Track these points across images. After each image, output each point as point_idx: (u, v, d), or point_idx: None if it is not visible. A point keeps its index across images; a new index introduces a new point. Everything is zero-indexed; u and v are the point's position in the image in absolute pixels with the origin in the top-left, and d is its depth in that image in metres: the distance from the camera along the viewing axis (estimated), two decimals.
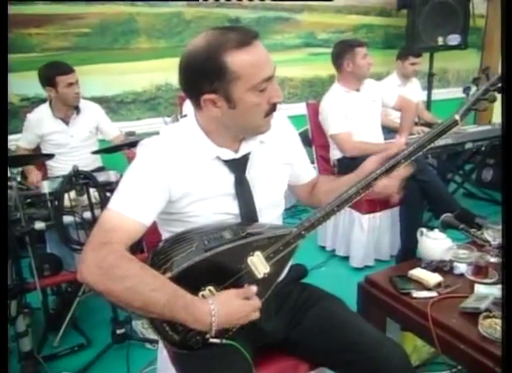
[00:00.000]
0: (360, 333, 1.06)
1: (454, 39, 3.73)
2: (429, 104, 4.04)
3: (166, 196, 1.00)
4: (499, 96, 1.13)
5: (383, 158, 1.07)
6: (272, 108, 1.00)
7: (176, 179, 1.00)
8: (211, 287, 0.95)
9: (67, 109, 2.57)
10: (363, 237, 2.57)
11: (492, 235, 1.50)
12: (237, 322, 0.94)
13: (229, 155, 1.05)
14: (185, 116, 1.32)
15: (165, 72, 3.21)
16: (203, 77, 0.94)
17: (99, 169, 2.63)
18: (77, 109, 2.60)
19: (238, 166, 1.06)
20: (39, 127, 2.52)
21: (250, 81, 0.93)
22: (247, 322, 0.94)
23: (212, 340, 0.93)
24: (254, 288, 0.96)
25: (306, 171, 1.26)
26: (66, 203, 1.85)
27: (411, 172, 1.08)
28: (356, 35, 3.92)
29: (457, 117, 1.07)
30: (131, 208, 0.95)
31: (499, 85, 1.12)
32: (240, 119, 0.99)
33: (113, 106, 3.18)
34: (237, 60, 0.91)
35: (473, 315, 1.17)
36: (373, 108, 2.69)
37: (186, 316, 0.88)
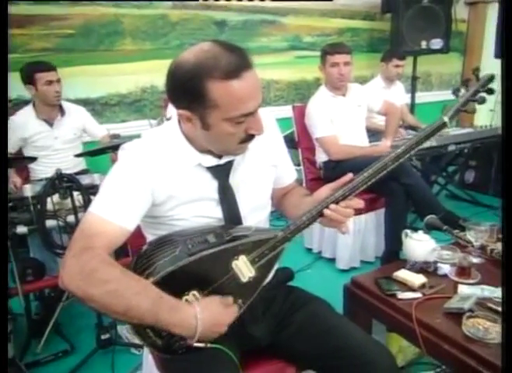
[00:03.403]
0: (346, 337, 1.06)
1: (437, 43, 3.79)
2: (412, 107, 4.09)
3: (150, 200, 0.99)
4: (488, 98, 1.14)
5: (338, 185, 1.04)
6: (249, 137, 0.98)
7: (159, 182, 0.99)
8: (195, 292, 0.94)
9: (50, 110, 2.54)
10: (349, 239, 2.59)
11: (475, 236, 1.53)
12: (219, 329, 0.94)
13: (212, 161, 1.04)
14: (169, 118, 1.31)
15: (150, 74, 3.18)
16: (183, 94, 0.93)
17: (84, 172, 2.60)
18: (61, 110, 2.58)
19: (221, 173, 1.05)
20: (23, 129, 2.48)
21: (227, 113, 0.91)
22: (224, 330, 0.94)
23: (196, 345, 0.92)
24: (230, 299, 0.96)
25: (287, 174, 1.25)
26: (49, 206, 1.82)
27: (361, 206, 1.04)
28: (341, 38, 3.95)
29: (445, 119, 1.07)
30: (114, 213, 0.93)
31: (489, 86, 1.13)
32: (212, 140, 0.98)
33: (98, 108, 3.14)
34: (219, 91, 0.89)
35: (457, 316, 1.19)
36: (358, 113, 2.72)
37: (170, 319, 0.87)
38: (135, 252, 1.24)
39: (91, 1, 2.98)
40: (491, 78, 1.13)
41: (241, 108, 0.91)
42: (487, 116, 4.33)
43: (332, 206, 1.01)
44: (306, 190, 1.27)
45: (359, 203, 1.04)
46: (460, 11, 4.36)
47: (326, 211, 1.01)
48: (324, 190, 1.06)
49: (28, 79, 2.41)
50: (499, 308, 1.20)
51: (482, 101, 1.12)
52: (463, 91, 1.13)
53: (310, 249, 2.91)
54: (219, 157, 1.05)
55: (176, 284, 0.92)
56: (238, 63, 0.89)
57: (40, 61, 2.50)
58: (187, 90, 0.91)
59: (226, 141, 0.98)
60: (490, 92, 1.13)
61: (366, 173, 1.03)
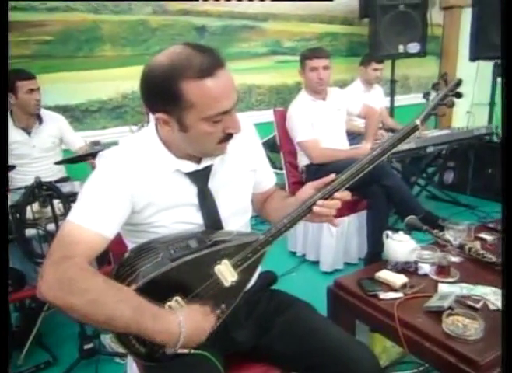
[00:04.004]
0: (329, 338, 1.07)
1: (414, 47, 3.87)
2: (392, 110, 4.17)
3: (129, 208, 0.99)
4: (457, 101, 1.18)
5: (320, 184, 1.06)
6: (228, 136, 0.99)
7: (138, 189, 0.99)
8: (178, 298, 0.94)
9: (28, 118, 2.51)
10: (332, 241, 2.61)
11: (453, 235, 1.56)
12: (200, 337, 0.94)
13: (191, 166, 1.04)
14: None
15: (131, 80, 3.15)
16: (158, 97, 0.93)
17: (64, 180, 2.57)
18: (39, 118, 2.55)
19: (200, 178, 1.05)
20: None
21: (204, 113, 0.92)
22: (205, 338, 0.95)
23: (180, 351, 0.92)
24: (208, 308, 0.96)
25: (266, 179, 1.26)
26: (29, 215, 1.79)
27: (350, 198, 1.06)
28: (321, 43, 3.99)
29: (417, 122, 1.10)
30: (93, 221, 0.93)
31: (457, 90, 1.17)
32: (191, 142, 0.99)
33: (78, 114, 3.11)
34: (194, 90, 0.90)
35: (437, 314, 1.21)
36: (338, 116, 2.75)
37: (153, 327, 0.86)
38: (117, 260, 1.24)
39: (66, 0, 2.94)
40: (458, 83, 1.17)
41: (217, 106, 0.92)
42: (464, 118, 4.43)
43: (320, 201, 1.02)
44: (287, 193, 1.28)
45: (347, 195, 1.05)
46: (435, 15, 4.47)
47: (315, 208, 1.02)
48: (306, 189, 1.08)
49: (8, 87, 2.37)
50: (477, 305, 1.23)
51: (451, 105, 1.16)
52: (433, 95, 1.16)
53: (294, 253, 2.93)
54: (198, 162, 1.05)
55: (159, 291, 0.91)
56: (211, 62, 0.91)
57: (21, 69, 2.48)
58: (162, 92, 0.92)
59: (204, 142, 0.98)
60: (458, 95, 1.16)
61: (344, 176, 1.05)
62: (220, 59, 0.93)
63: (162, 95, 0.92)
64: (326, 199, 1.04)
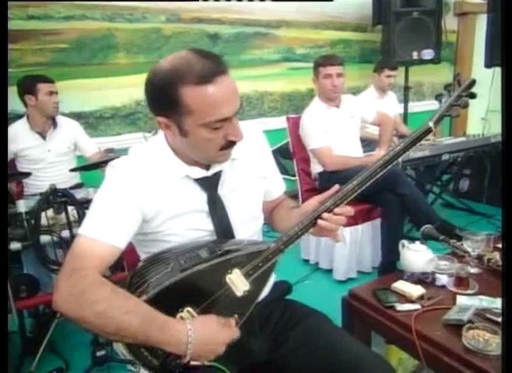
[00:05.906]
0: (345, 351, 1.04)
1: (428, 53, 3.84)
2: (405, 116, 4.13)
3: (140, 217, 0.99)
4: (472, 108, 1.15)
5: (325, 196, 1.04)
6: (230, 144, 0.97)
7: (147, 198, 0.98)
8: (189, 308, 0.93)
9: (45, 122, 2.55)
10: (346, 250, 2.58)
11: (471, 246, 1.52)
12: (214, 349, 0.91)
13: (200, 173, 1.03)
14: None
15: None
16: (159, 101, 0.94)
17: (78, 186, 2.59)
18: (54, 123, 2.58)
19: (210, 184, 1.04)
20: (14, 142, 2.48)
21: (202, 119, 0.91)
22: (221, 350, 0.92)
23: (193, 363, 0.91)
24: (233, 321, 0.95)
25: (275, 187, 1.25)
26: (43, 221, 1.80)
27: (351, 214, 1.03)
28: (334, 50, 3.99)
29: (430, 124, 1.07)
30: (104, 232, 0.93)
31: (471, 90, 1.14)
32: (191, 147, 0.98)
33: (92, 121, 3.15)
34: (192, 96, 0.88)
35: (456, 327, 1.18)
36: (352, 124, 2.74)
37: (161, 337, 0.85)
38: (130, 267, 1.23)
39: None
40: (472, 83, 1.13)
41: (216, 113, 0.91)
42: (479, 124, 4.37)
43: (325, 215, 1.00)
44: (294, 203, 1.27)
45: (349, 211, 1.03)
46: (449, 22, 4.44)
47: (319, 221, 1.00)
48: (311, 203, 1.06)
49: (29, 89, 2.44)
50: (499, 319, 1.19)
51: (465, 105, 1.12)
52: (446, 97, 1.13)
53: (306, 260, 2.90)
54: (207, 169, 1.04)
55: (170, 301, 0.90)
56: (212, 68, 0.89)
57: (40, 74, 2.55)
58: (162, 96, 0.92)
59: (205, 148, 0.97)
60: (472, 96, 1.13)
61: (356, 181, 1.02)
62: (223, 65, 0.92)
63: (162, 99, 0.92)
64: (338, 206, 1.01)
